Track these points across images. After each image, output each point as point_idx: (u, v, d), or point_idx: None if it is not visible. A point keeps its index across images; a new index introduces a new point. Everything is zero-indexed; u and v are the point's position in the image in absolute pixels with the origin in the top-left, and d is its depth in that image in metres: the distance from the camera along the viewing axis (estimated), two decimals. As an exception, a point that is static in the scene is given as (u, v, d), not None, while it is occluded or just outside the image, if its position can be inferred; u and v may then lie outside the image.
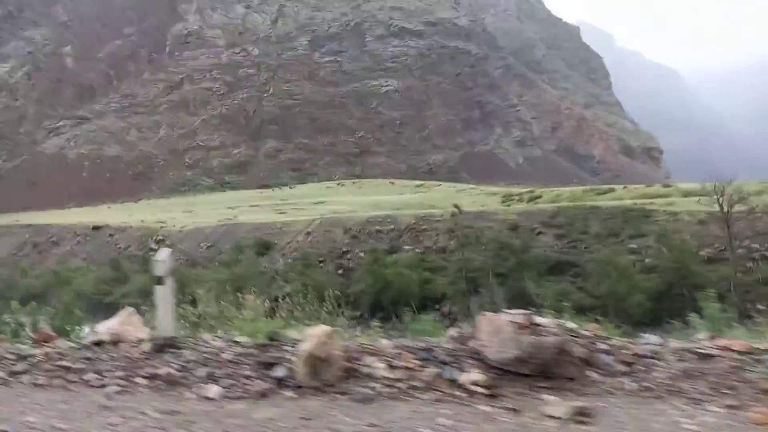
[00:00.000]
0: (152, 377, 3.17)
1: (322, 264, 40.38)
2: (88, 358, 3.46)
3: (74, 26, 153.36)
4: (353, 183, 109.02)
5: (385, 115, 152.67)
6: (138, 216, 72.32)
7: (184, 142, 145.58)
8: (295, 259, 42.60)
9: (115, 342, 3.63)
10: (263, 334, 3.76)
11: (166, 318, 3.69)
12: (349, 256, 40.90)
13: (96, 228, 59.35)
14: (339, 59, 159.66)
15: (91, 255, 55.03)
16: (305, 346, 2.98)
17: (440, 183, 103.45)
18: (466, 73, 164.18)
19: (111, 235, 57.26)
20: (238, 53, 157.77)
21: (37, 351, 3.66)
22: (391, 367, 2.99)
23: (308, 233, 45.14)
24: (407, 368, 2.97)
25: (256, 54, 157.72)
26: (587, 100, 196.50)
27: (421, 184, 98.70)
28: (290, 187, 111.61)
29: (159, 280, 3.69)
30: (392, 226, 42.90)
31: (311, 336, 3.03)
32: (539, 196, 52.25)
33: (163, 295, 3.69)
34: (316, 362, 2.92)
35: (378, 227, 43.51)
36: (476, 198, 63.68)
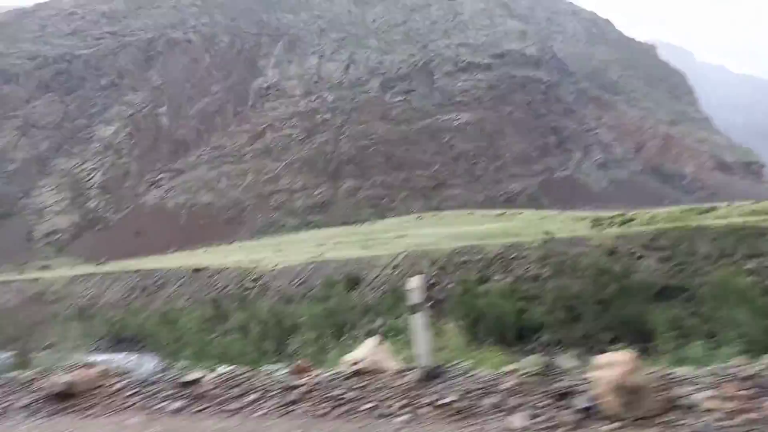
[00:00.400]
0: (437, 406, 3.07)
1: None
2: (356, 388, 3.42)
3: (167, 88, 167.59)
4: (432, 216, 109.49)
5: (459, 148, 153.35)
6: (233, 257, 76.59)
7: (269, 187, 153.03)
8: (384, 293, 43.43)
9: (372, 371, 3.56)
10: (497, 364, 3.72)
11: (424, 346, 3.57)
12: (437, 287, 41.16)
13: (196, 270, 63.41)
14: (409, 98, 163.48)
15: (193, 295, 58.81)
16: (610, 374, 2.75)
17: (522, 211, 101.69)
18: (538, 100, 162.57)
19: (210, 276, 60.95)
20: (314, 100, 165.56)
21: (301, 381, 3.65)
22: (715, 398, 2.67)
23: (395, 267, 45.97)
24: (734, 398, 2.66)
25: (330, 100, 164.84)
26: (672, 117, 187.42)
27: (502, 213, 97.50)
28: (371, 223, 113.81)
29: (414, 308, 3.60)
30: (480, 256, 42.85)
31: (612, 363, 2.81)
32: (632, 219, 50.23)
33: (420, 323, 3.59)
34: (626, 392, 2.70)
35: (465, 258, 43.61)
36: (562, 224, 62.14)
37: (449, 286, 41.22)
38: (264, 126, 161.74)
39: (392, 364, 3.70)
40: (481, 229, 73.98)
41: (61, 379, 3.96)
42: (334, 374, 3.73)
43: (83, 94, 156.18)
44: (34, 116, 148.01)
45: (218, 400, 3.67)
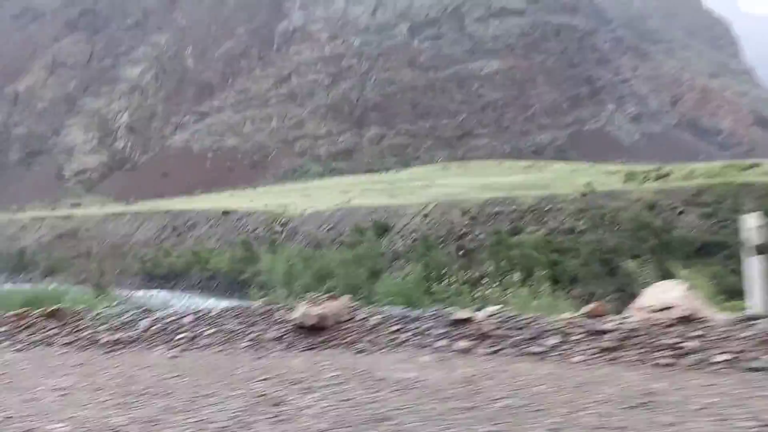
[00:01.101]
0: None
1: (441, 245, 40.85)
2: (692, 337, 3.02)
3: (192, 30, 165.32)
4: (458, 166, 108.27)
5: (487, 97, 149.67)
6: (259, 201, 77.24)
7: (293, 132, 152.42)
8: (413, 240, 43.47)
9: (700, 319, 3.16)
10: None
11: (762, 293, 3.26)
12: (469, 237, 41.01)
13: (225, 212, 64.20)
14: (438, 44, 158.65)
15: (223, 237, 59.82)
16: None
17: (551, 162, 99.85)
18: (572, 48, 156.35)
19: (239, 219, 61.70)
20: (340, 45, 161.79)
21: (608, 326, 3.26)
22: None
23: (425, 215, 45.77)
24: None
25: (357, 45, 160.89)
26: (712, 69, 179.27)
27: (530, 165, 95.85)
28: (395, 171, 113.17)
29: (761, 250, 3.22)
30: (513, 207, 42.31)
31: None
32: (668, 174, 48.69)
33: (759, 269, 3.24)
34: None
35: (498, 208, 43.13)
36: (594, 177, 60.80)
37: (480, 236, 41.10)
38: (289, 70, 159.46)
39: (711, 311, 3.32)
40: (510, 180, 72.90)
41: (312, 311, 3.80)
42: (643, 320, 3.30)
43: (109, 33, 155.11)
44: (62, 55, 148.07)
45: (511, 341, 3.41)
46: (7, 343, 4.30)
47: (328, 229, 52.07)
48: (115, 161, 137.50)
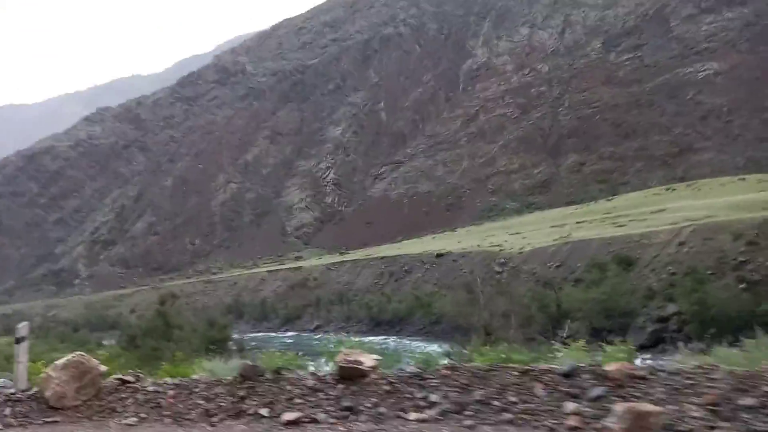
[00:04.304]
0: None
1: (712, 277, 33.77)
2: None
3: (384, 84, 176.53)
4: (687, 186, 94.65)
5: (707, 105, 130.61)
6: (467, 242, 75.81)
7: (485, 170, 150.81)
8: (671, 274, 36.89)
9: None
10: None
11: None
12: (750, 266, 33.24)
13: (439, 255, 63.68)
14: (639, 54, 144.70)
15: (440, 280, 59.02)
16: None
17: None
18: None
19: (454, 261, 60.49)
20: (528, 74, 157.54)
21: None
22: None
23: (681, 243, 38.85)
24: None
25: (545, 71, 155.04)
26: None
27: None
28: (606, 200, 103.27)
29: None
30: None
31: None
32: None
33: None
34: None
35: (784, 228, 34.57)
36: None
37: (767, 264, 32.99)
38: (476, 108, 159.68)
39: None
40: (763, 196, 60.34)
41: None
42: None
43: (315, 100, 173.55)
44: (279, 125, 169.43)
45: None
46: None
47: (556, 266, 47.68)
48: (326, 215, 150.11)
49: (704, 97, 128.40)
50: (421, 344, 46.21)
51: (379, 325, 53.94)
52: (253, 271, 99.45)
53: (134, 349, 31.39)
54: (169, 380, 5.40)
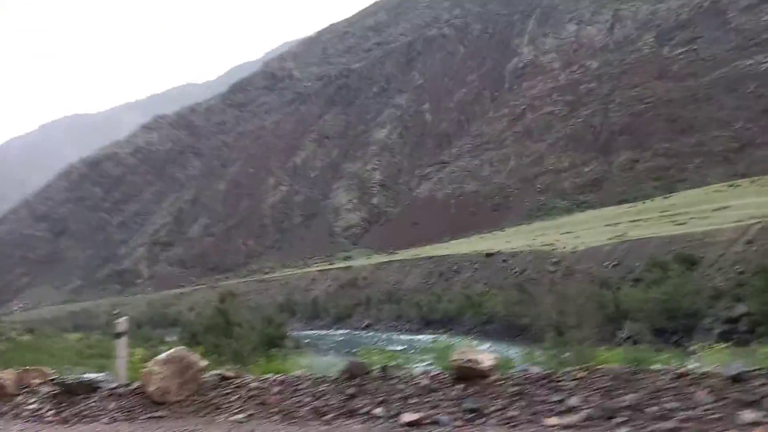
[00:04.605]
0: None
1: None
2: None
3: (428, 85, 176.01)
4: (750, 182, 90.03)
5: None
6: (516, 242, 74.51)
7: (533, 169, 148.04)
8: (739, 273, 35.08)
9: None
10: None
11: None
12: None
13: (489, 255, 62.85)
14: (695, 47, 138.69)
15: (490, 279, 58.23)
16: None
17: None
18: None
19: (505, 261, 59.56)
20: (576, 71, 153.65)
21: None
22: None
23: (748, 242, 36.92)
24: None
25: (594, 67, 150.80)
26: None
27: None
28: (664, 198, 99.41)
29: None
30: None
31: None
32: None
33: None
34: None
35: None
36: None
37: None
38: (523, 107, 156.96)
39: None
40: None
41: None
42: None
43: (360, 103, 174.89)
44: (326, 129, 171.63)
45: None
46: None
47: (613, 266, 46.20)
48: (372, 216, 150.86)
49: (766, 90, 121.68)
50: (473, 344, 45.73)
51: (429, 324, 53.76)
52: (303, 270, 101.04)
53: (195, 345, 32.47)
54: (271, 376, 5.42)
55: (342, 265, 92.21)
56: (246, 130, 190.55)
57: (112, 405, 5.53)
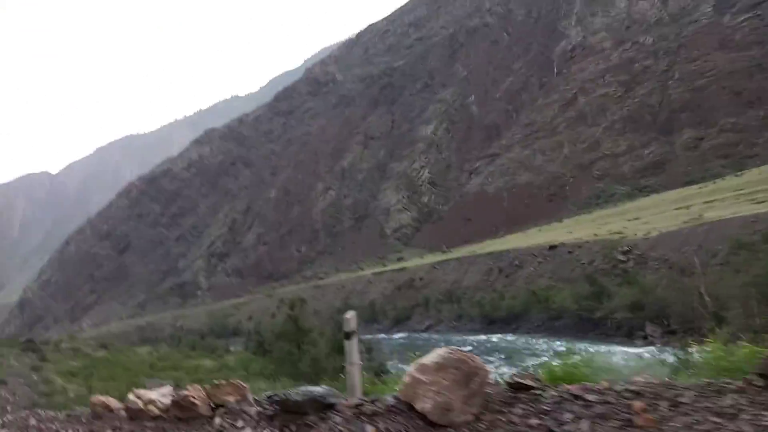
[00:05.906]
0: None
1: None
2: None
3: (472, 77, 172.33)
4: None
5: None
6: (577, 232, 71.01)
7: (588, 155, 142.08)
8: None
9: None
10: None
11: None
12: None
13: (552, 247, 59.91)
14: (759, 12, 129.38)
15: (555, 273, 55.36)
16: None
17: None
18: None
19: (570, 252, 56.53)
20: (629, 49, 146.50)
21: None
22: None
23: None
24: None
25: (650, 42, 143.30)
26: None
27: None
28: (736, 175, 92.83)
29: None
30: None
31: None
32: None
33: None
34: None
35: None
36: None
37: None
38: (574, 91, 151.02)
39: None
40: None
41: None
42: None
43: (404, 101, 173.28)
44: (371, 130, 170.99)
45: None
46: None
47: (693, 250, 42.63)
48: (423, 214, 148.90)
49: None
50: (542, 342, 43.20)
51: (492, 323, 51.56)
52: (358, 274, 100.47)
53: (263, 354, 31.82)
54: (588, 386, 3.46)
55: (396, 266, 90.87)
56: (293, 137, 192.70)
57: (369, 429, 3.76)
